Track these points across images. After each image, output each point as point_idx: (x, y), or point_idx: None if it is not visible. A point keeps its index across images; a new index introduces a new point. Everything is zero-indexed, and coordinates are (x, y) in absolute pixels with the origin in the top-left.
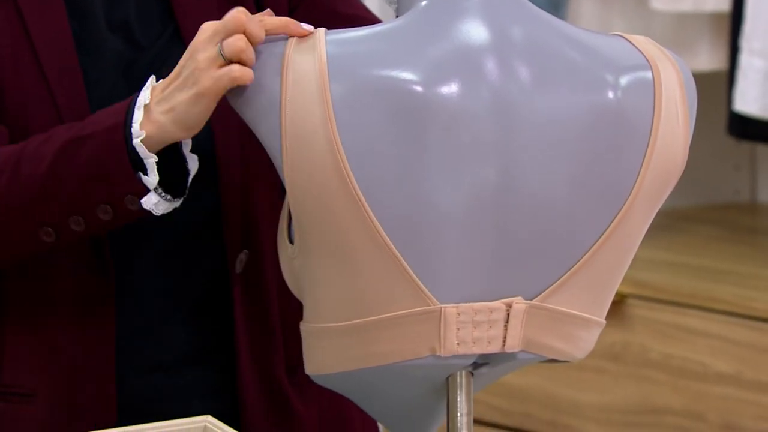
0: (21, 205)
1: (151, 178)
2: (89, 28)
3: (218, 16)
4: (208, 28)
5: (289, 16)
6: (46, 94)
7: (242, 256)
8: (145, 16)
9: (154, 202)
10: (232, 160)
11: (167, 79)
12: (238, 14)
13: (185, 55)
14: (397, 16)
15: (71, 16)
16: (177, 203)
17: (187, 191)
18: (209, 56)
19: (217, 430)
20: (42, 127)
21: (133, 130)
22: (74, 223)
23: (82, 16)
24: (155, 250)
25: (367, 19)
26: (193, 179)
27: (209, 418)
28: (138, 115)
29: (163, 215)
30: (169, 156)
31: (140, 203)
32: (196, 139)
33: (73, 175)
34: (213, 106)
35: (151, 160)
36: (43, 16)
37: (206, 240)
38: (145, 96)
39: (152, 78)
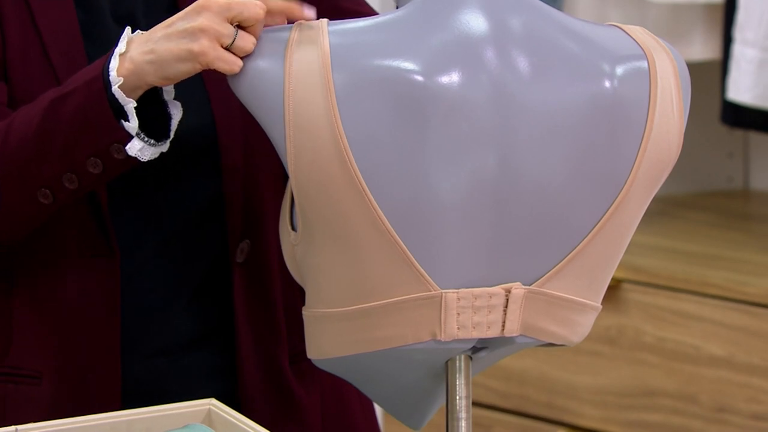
0: (17, 168)
1: (132, 123)
2: (95, 19)
3: None
4: None
5: None
6: (53, 81)
7: (243, 245)
8: (151, 9)
9: (138, 148)
10: (235, 147)
11: (156, 26)
12: (256, 9)
13: (189, 9)
14: (397, 7)
15: (77, 6)
16: (163, 147)
17: (171, 134)
18: (219, 30)
19: (220, 412)
20: None
21: (111, 77)
22: (68, 181)
23: (89, 6)
24: (158, 236)
25: (368, 14)
26: (195, 167)
27: (213, 400)
28: (114, 64)
29: (166, 203)
30: (154, 110)
31: (126, 151)
32: (197, 126)
33: (60, 132)
34: (196, 72)
35: (130, 105)
36: (49, 6)
37: (209, 228)
38: (121, 47)
39: (128, 29)
